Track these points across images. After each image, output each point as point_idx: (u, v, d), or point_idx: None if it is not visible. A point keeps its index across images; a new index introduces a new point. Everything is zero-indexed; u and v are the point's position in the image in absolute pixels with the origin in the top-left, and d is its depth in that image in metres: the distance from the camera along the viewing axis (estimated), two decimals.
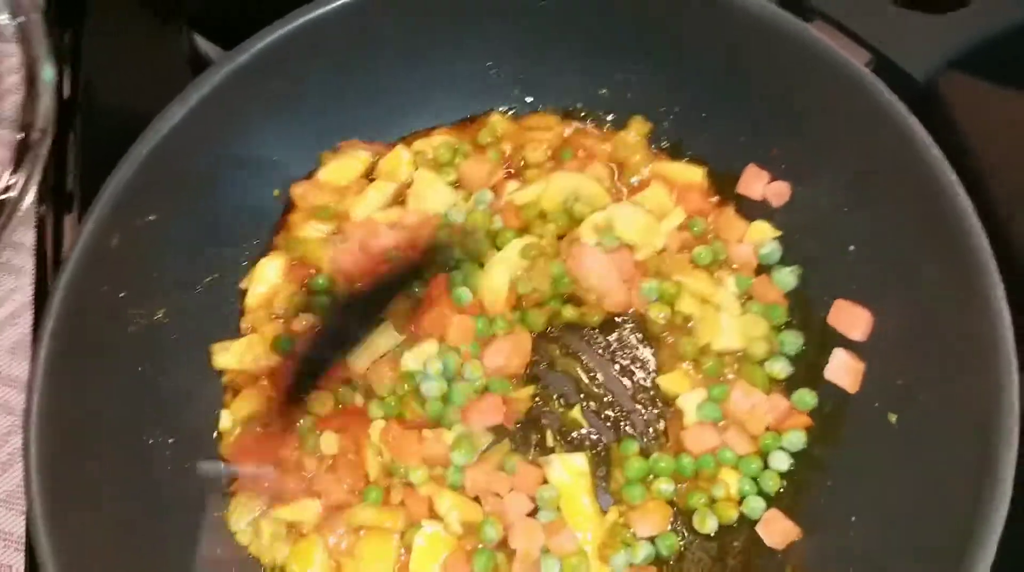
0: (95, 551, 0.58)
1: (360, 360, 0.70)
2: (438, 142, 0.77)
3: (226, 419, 0.70)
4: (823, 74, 0.62)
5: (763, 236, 0.71)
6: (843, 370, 0.64)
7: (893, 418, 0.60)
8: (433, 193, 0.75)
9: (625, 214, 0.72)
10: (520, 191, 0.75)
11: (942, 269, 0.58)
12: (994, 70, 0.70)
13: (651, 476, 0.67)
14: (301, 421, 0.69)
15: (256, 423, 0.69)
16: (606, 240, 0.72)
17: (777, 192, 0.70)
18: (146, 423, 0.66)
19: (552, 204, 0.74)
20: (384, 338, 0.70)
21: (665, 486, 0.66)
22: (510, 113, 0.78)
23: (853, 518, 0.60)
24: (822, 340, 0.67)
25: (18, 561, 0.70)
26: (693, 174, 0.74)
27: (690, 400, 0.68)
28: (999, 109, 0.70)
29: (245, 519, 0.67)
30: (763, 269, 0.71)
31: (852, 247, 0.65)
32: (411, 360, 0.70)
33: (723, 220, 0.72)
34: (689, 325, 0.70)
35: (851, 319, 0.64)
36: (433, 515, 0.66)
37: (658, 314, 0.71)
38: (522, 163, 0.77)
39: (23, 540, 0.70)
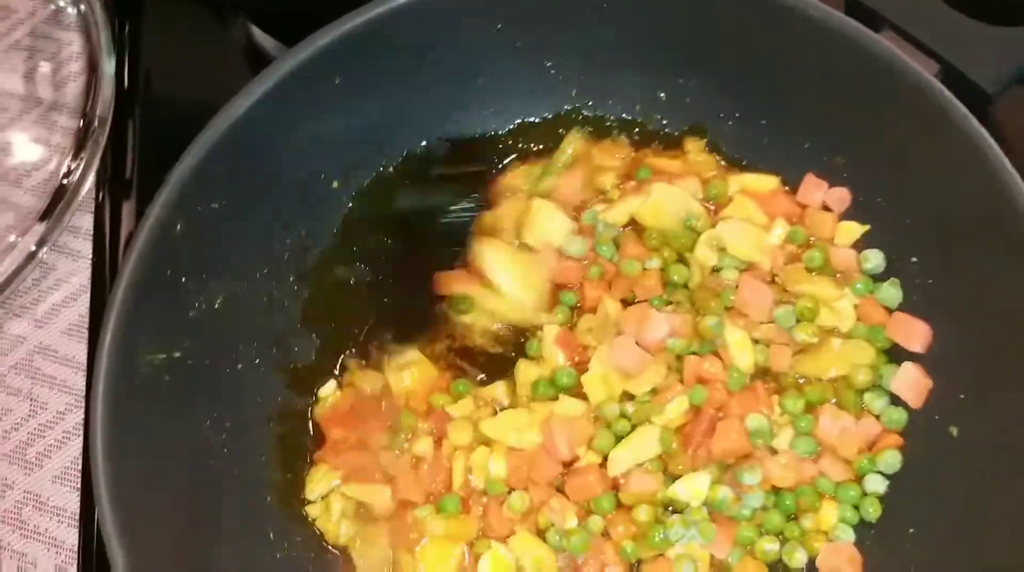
0: (154, 527, 0.59)
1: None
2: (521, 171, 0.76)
3: (331, 385, 0.71)
4: (890, 83, 0.62)
5: (853, 234, 0.68)
6: (910, 384, 0.63)
7: (955, 431, 0.60)
8: (552, 222, 0.73)
9: (734, 230, 0.69)
10: (623, 206, 0.73)
11: (1007, 285, 0.57)
12: None
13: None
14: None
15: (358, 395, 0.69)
16: (728, 261, 0.70)
17: (838, 198, 0.69)
18: (203, 405, 0.67)
19: (672, 221, 0.71)
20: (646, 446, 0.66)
21: (769, 547, 0.63)
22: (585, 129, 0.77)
23: (911, 530, 0.60)
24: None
25: (71, 536, 0.71)
26: (770, 181, 0.72)
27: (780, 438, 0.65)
28: None
29: (320, 490, 0.67)
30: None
31: (914, 259, 0.65)
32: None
33: (812, 221, 0.70)
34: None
35: (910, 331, 0.63)
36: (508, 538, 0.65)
37: (806, 336, 0.66)
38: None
39: (76, 516, 0.71)
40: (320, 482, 0.68)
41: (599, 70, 0.75)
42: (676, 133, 0.76)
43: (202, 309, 0.68)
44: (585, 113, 0.78)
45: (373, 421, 0.68)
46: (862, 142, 0.67)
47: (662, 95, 0.75)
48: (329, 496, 0.68)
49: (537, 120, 0.78)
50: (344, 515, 0.67)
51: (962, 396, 0.60)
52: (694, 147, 0.75)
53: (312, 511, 0.68)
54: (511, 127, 0.79)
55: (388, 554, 0.66)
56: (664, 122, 0.77)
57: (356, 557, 0.66)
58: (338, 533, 0.67)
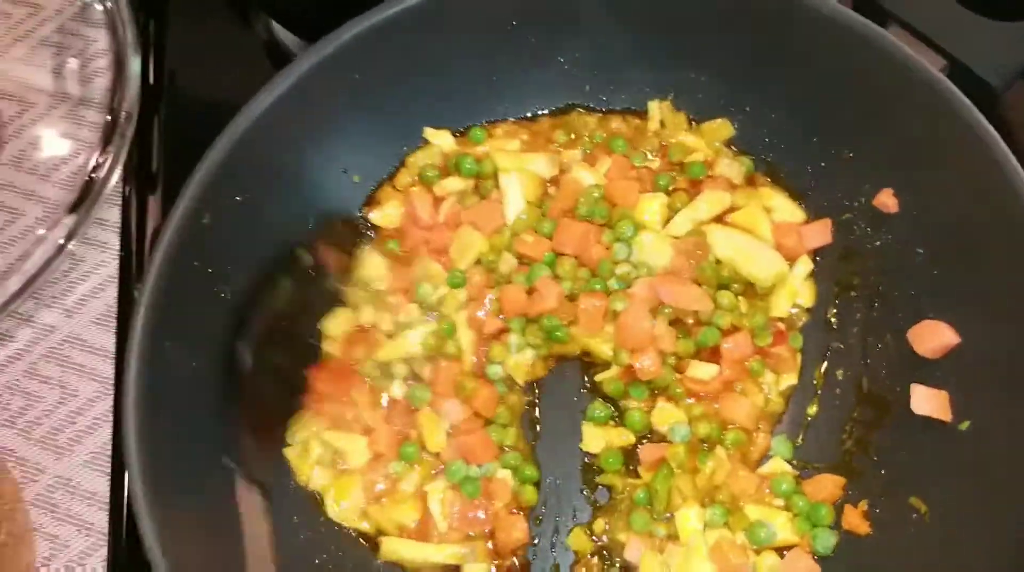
0: (184, 513, 0.61)
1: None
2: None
3: (334, 326, 0.74)
4: (897, 78, 0.63)
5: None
6: (929, 402, 0.64)
7: (965, 426, 0.61)
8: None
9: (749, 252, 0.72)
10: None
11: (1011, 281, 0.59)
12: None
13: None
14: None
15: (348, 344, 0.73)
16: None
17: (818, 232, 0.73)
18: (230, 394, 0.68)
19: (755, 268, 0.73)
20: None
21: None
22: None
23: (914, 515, 0.61)
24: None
25: (101, 519, 0.73)
26: (798, 213, 0.74)
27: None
28: None
29: (300, 435, 0.71)
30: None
31: (920, 250, 0.66)
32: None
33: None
34: None
35: (931, 335, 0.64)
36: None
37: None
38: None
39: (107, 499, 0.74)
40: (299, 427, 0.71)
41: (611, 65, 0.77)
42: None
43: (228, 299, 0.69)
44: (596, 107, 0.79)
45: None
46: (870, 137, 0.68)
47: (671, 91, 0.77)
48: (309, 441, 0.71)
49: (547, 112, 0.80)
50: (320, 462, 0.70)
51: (970, 397, 0.61)
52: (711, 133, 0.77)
53: (290, 453, 0.71)
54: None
55: (361, 504, 0.69)
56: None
57: (329, 503, 0.69)
58: (310, 476, 0.70)
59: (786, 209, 0.75)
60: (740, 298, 0.73)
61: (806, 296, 0.73)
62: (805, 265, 0.73)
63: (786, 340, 0.72)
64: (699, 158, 0.76)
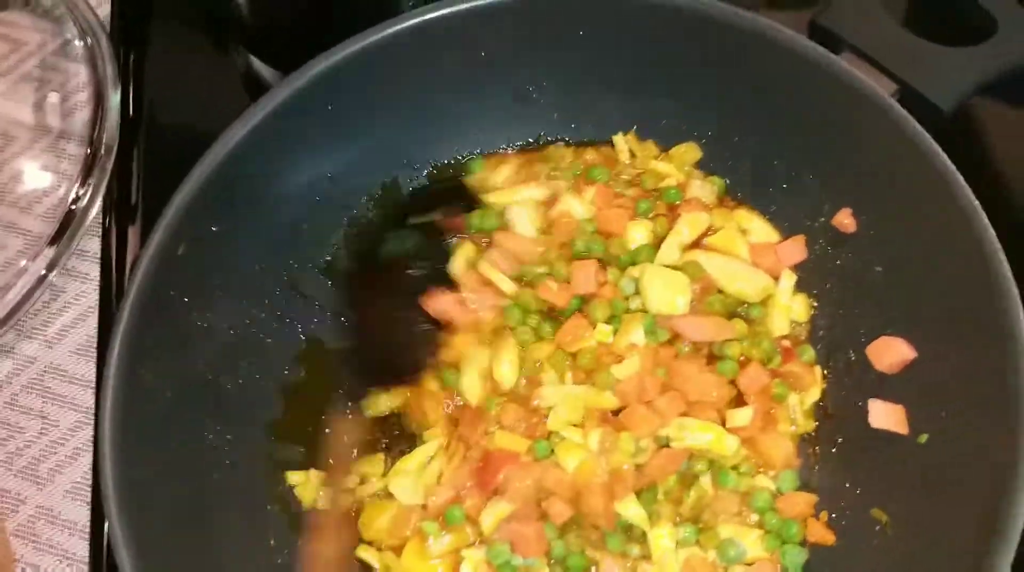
0: (159, 535, 0.62)
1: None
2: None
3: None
4: (851, 103, 0.65)
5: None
6: (886, 416, 0.65)
7: (923, 439, 0.63)
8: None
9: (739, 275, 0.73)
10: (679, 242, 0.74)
11: (966, 304, 0.60)
12: (1020, 98, 0.72)
13: None
14: None
15: None
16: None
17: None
18: (207, 420, 0.70)
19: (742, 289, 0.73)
20: None
21: None
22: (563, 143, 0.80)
23: (876, 528, 0.62)
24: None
25: (82, 548, 0.74)
26: (771, 233, 0.75)
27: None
28: None
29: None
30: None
31: (879, 268, 0.68)
32: None
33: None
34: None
35: (889, 351, 0.66)
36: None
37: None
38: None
39: (87, 529, 0.74)
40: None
41: (577, 96, 0.79)
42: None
43: (203, 327, 0.71)
44: (566, 138, 0.82)
45: None
46: (828, 158, 0.70)
47: (636, 120, 0.79)
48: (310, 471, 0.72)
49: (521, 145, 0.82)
50: (323, 483, 0.71)
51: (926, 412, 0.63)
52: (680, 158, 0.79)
53: (293, 478, 0.72)
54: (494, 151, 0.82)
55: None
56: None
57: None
58: (315, 499, 0.71)
59: (761, 230, 0.76)
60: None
61: (799, 310, 0.74)
62: (789, 278, 0.74)
63: (795, 356, 0.72)
64: (672, 183, 0.78)
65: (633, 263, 0.75)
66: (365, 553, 0.70)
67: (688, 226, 0.75)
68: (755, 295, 0.74)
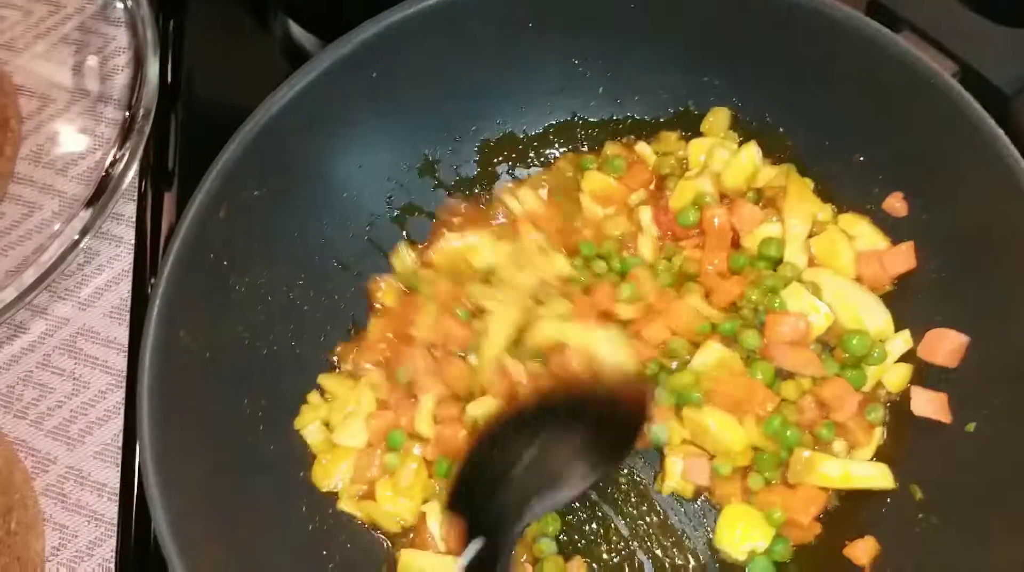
0: (193, 497, 0.62)
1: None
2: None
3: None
4: (910, 83, 0.63)
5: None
6: (929, 404, 0.64)
7: (971, 427, 0.61)
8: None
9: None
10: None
11: (1018, 293, 0.59)
12: None
13: None
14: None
15: None
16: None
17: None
18: (242, 384, 0.69)
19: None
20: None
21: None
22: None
23: (920, 515, 0.61)
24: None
25: (111, 510, 0.74)
26: (879, 239, 0.70)
27: None
28: None
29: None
30: None
31: (929, 253, 0.66)
32: None
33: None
34: None
35: (943, 344, 0.64)
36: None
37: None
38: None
39: (116, 491, 0.74)
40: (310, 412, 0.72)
41: (625, 70, 0.77)
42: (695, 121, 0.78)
43: (241, 292, 0.70)
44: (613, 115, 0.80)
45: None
46: (880, 140, 0.68)
47: (687, 96, 0.77)
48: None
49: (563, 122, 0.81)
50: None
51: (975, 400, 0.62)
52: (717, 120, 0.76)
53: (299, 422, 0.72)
54: (542, 129, 0.81)
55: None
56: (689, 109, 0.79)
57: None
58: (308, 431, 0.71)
59: (870, 236, 0.70)
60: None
61: (896, 380, 0.67)
62: (905, 341, 0.68)
63: (861, 411, 0.66)
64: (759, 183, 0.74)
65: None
66: (346, 505, 0.70)
67: (798, 218, 0.70)
68: (874, 333, 0.67)
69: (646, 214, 0.76)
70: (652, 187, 0.77)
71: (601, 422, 0.62)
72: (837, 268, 0.70)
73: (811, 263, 0.71)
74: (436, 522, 0.68)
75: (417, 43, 0.74)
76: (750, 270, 0.71)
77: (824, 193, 0.73)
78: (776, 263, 0.71)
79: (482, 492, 0.60)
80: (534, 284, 0.73)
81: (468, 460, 0.62)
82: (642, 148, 0.78)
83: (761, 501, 0.66)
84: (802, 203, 0.72)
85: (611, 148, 0.79)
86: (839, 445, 0.66)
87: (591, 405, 0.64)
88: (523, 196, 0.78)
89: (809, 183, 0.73)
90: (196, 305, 0.66)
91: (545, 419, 0.62)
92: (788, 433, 0.65)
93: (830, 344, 0.69)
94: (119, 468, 0.75)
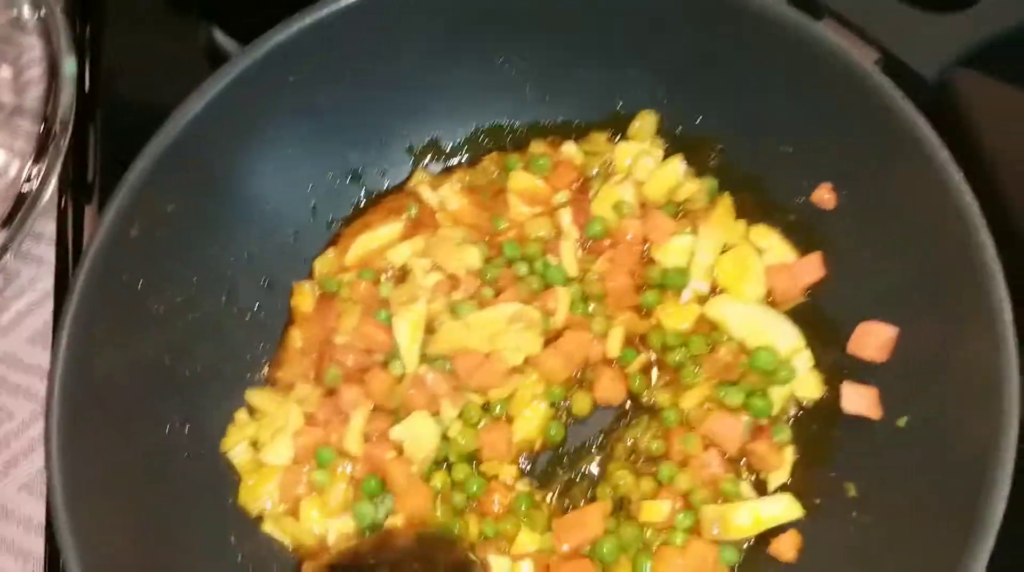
0: (113, 535, 0.60)
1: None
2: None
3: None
4: (831, 72, 0.62)
5: None
6: (859, 399, 0.63)
7: (902, 422, 0.61)
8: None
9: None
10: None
11: (949, 283, 0.58)
12: (1004, 68, 0.70)
13: None
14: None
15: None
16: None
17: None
18: (163, 410, 0.67)
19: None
20: None
21: None
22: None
23: (854, 513, 0.61)
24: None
25: (38, 545, 0.71)
26: (787, 252, 0.70)
27: None
28: (1010, 107, 0.71)
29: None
30: None
31: (859, 246, 0.66)
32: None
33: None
34: None
35: (873, 338, 0.63)
36: None
37: None
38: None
39: (43, 525, 0.72)
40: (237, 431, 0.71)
41: (552, 69, 0.75)
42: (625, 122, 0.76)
43: (160, 313, 0.68)
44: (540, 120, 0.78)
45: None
46: (809, 132, 0.67)
47: (607, 90, 0.75)
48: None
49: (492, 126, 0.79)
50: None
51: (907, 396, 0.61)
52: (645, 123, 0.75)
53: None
54: (467, 134, 0.79)
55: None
56: (619, 113, 0.77)
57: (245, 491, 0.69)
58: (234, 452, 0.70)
59: (779, 248, 0.70)
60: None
61: (811, 386, 0.67)
62: (808, 359, 0.68)
63: (768, 435, 0.66)
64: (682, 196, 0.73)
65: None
66: (270, 527, 0.68)
67: (710, 239, 0.70)
68: (783, 353, 0.67)
69: (566, 216, 0.74)
70: (576, 187, 0.76)
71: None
72: (747, 283, 0.70)
73: (714, 289, 0.71)
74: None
75: (335, 45, 0.72)
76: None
77: (753, 186, 0.72)
78: (680, 287, 0.71)
79: None
80: (442, 281, 0.72)
81: None
82: (568, 148, 0.77)
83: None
84: (718, 229, 0.71)
85: (536, 147, 0.78)
86: (745, 485, 0.66)
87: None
88: (444, 192, 0.77)
89: (729, 201, 0.73)
90: (110, 330, 0.64)
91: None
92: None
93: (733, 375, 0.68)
94: (45, 501, 0.72)
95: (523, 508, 0.66)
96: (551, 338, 0.71)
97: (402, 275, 0.75)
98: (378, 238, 0.76)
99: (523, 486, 0.68)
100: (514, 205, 0.76)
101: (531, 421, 0.69)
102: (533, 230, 0.74)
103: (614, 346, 0.70)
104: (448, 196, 0.77)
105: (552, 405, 0.70)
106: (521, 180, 0.76)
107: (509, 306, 0.70)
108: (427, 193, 0.77)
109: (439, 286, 0.72)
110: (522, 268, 0.73)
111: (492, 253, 0.74)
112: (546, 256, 0.73)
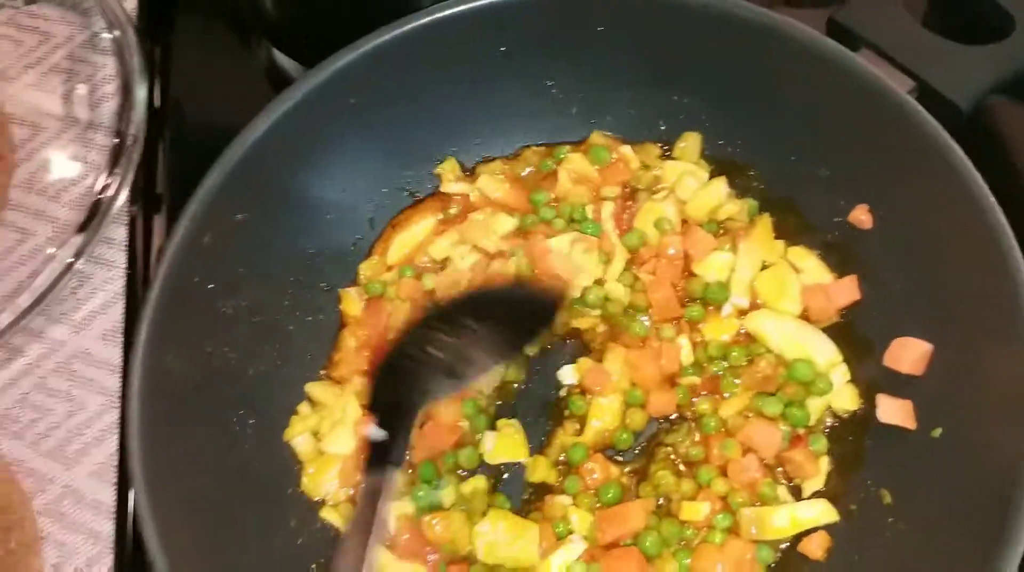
0: (183, 514, 0.64)
1: None
2: None
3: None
4: (868, 100, 0.65)
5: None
6: (894, 411, 0.65)
7: (937, 433, 0.63)
8: None
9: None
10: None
11: (982, 303, 0.61)
12: None
13: None
14: None
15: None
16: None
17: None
18: (229, 404, 0.71)
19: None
20: None
21: None
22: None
23: (890, 519, 0.63)
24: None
25: (108, 528, 0.76)
26: (823, 273, 0.72)
27: None
28: None
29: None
30: None
31: (895, 266, 0.68)
32: None
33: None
34: None
35: (908, 351, 0.65)
36: None
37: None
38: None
39: (113, 510, 0.76)
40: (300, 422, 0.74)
41: (597, 91, 0.79)
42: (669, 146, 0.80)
43: (229, 314, 0.72)
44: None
45: None
46: (847, 157, 0.70)
47: (657, 116, 0.79)
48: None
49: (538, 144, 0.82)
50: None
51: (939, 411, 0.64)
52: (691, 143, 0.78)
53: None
54: (518, 150, 0.83)
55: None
56: (662, 133, 0.81)
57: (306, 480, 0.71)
58: (297, 441, 0.73)
59: (815, 270, 0.72)
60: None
61: (846, 399, 0.69)
62: (843, 373, 0.70)
63: (805, 443, 0.68)
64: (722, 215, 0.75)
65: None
66: (329, 514, 0.71)
67: (749, 256, 0.73)
68: (820, 367, 0.69)
69: (608, 208, 0.77)
70: (622, 194, 0.79)
71: (511, 311, 0.65)
72: (784, 301, 0.72)
73: (754, 304, 0.74)
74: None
75: (393, 69, 0.76)
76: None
77: (791, 207, 0.75)
78: (722, 301, 0.73)
79: (390, 388, 0.63)
80: (480, 260, 0.74)
81: (383, 364, 0.64)
82: (626, 150, 0.80)
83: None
84: (757, 247, 0.74)
85: (598, 137, 0.80)
86: (782, 490, 0.67)
87: (503, 297, 0.67)
88: (482, 181, 0.79)
89: (768, 221, 0.75)
90: (182, 330, 0.68)
91: (457, 314, 0.65)
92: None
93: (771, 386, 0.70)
94: (115, 487, 0.77)
95: (611, 493, 0.68)
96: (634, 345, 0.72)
97: (443, 265, 0.78)
98: (414, 235, 0.79)
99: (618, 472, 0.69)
100: (562, 181, 0.78)
101: (609, 413, 0.71)
102: (576, 198, 0.77)
103: (687, 357, 0.72)
104: (487, 183, 0.79)
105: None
106: (576, 162, 0.79)
107: (567, 234, 0.72)
108: (464, 186, 0.80)
109: (477, 265, 0.74)
110: (548, 212, 0.76)
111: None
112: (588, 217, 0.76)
